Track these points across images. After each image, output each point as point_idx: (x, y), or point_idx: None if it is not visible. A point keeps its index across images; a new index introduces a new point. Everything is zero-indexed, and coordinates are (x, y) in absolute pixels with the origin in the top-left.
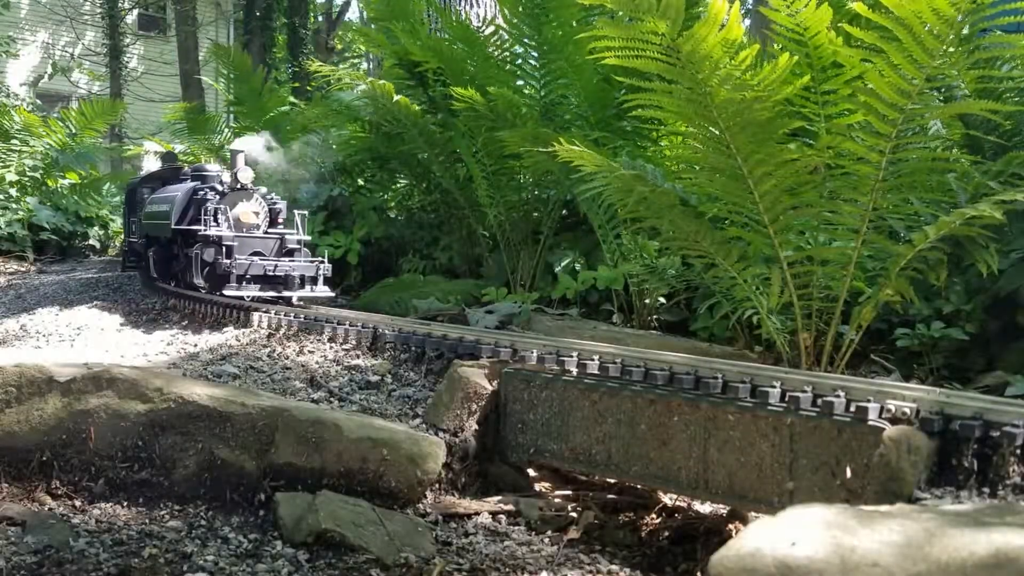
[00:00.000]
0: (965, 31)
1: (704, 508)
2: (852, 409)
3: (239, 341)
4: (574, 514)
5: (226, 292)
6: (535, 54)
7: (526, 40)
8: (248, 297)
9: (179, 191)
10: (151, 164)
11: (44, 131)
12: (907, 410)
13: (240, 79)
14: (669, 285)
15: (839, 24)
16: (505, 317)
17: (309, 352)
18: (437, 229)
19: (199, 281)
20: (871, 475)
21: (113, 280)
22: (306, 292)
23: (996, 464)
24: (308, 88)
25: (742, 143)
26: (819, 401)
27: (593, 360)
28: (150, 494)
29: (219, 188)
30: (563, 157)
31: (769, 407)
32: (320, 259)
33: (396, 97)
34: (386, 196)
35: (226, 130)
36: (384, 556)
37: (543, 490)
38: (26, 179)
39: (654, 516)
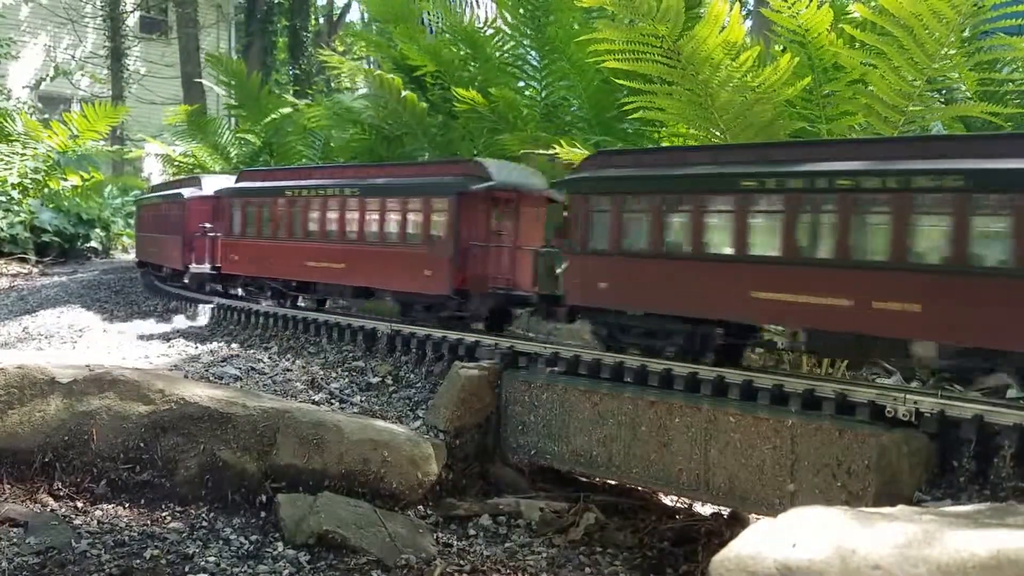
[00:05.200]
0: (966, 33)
1: (705, 510)
2: (853, 411)
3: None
4: (575, 516)
5: None
6: (535, 55)
7: (526, 42)
8: None
9: None
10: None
11: (47, 134)
12: (908, 412)
13: (237, 84)
14: None
15: (840, 26)
16: None
17: (310, 353)
18: None
19: None
20: (872, 477)
21: (115, 282)
22: None
23: (996, 466)
24: (309, 91)
25: None
26: (820, 403)
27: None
28: (152, 495)
29: None
30: (564, 159)
31: (770, 409)
32: None
33: (404, 93)
34: None
35: (227, 133)
36: (385, 557)
37: (543, 492)
38: (28, 181)
39: (655, 518)
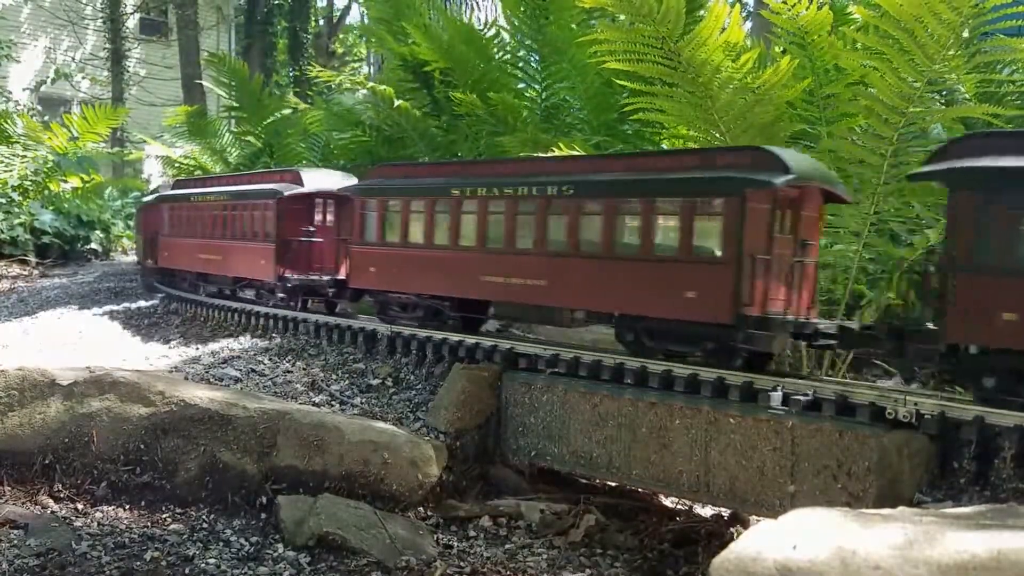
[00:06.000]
0: (966, 35)
1: (705, 511)
2: (854, 413)
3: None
4: (575, 517)
5: None
6: (536, 56)
7: (527, 42)
8: None
9: None
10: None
11: (48, 136)
12: (908, 414)
13: (238, 85)
14: None
15: (840, 28)
16: None
17: (310, 355)
18: None
19: None
20: (872, 478)
21: (116, 284)
22: None
23: (997, 467)
24: (309, 93)
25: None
26: (820, 404)
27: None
28: (152, 497)
29: None
30: None
31: (770, 410)
32: None
33: (397, 102)
34: None
35: (227, 134)
36: (385, 559)
37: (544, 493)
38: (28, 183)
39: (655, 519)
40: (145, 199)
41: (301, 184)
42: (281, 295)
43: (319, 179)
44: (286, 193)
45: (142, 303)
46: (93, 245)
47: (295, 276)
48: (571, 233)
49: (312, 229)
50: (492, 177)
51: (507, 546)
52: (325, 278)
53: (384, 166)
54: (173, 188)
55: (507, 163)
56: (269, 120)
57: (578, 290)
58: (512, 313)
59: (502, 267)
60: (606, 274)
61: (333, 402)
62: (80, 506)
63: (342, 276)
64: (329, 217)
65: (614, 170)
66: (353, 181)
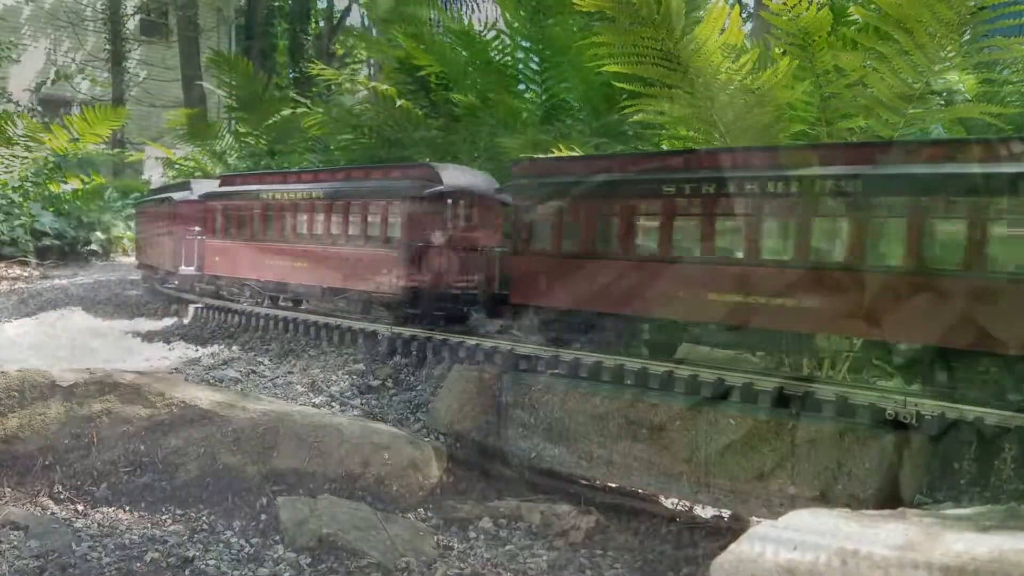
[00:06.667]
0: (967, 36)
1: (706, 512)
2: (854, 414)
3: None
4: (575, 518)
5: None
6: (536, 57)
7: (526, 44)
8: None
9: None
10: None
11: (48, 137)
12: (909, 415)
13: (240, 85)
14: None
15: (840, 29)
16: None
17: (310, 356)
18: None
19: None
20: (873, 479)
21: (116, 285)
22: None
23: (997, 468)
24: (308, 94)
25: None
26: (821, 406)
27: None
28: (152, 498)
29: None
30: None
31: (771, 411)
32: None
33: (399, 102)
34: None
35: (227, 135)
36: (386, 560)
37: (544, 494)
38: (29, 184)
39: (655, 520)
40: (176, 196)
41: (439, 181)
42: (411, 310)
43: (456, 176)
44: (424, 192)
45: (142, 303)
46: (93, 246)
47: (430, 288)
48: (855, 240)
49: (449, 234)
50: (721, 171)
51: (508, 547)
52: (467, 290)
53: (539, 160)
54: (222, 184)
55: (742, 153)
56: (270, 121)
57: (863, 313)
58: (743, 340)
59: (737, 282)
60: (910, 295)
61: (333, 403)
62: (80, 507)
63: (497, 289)
64: (463, 220)
65: (920, 160)
66: (491, 179)
